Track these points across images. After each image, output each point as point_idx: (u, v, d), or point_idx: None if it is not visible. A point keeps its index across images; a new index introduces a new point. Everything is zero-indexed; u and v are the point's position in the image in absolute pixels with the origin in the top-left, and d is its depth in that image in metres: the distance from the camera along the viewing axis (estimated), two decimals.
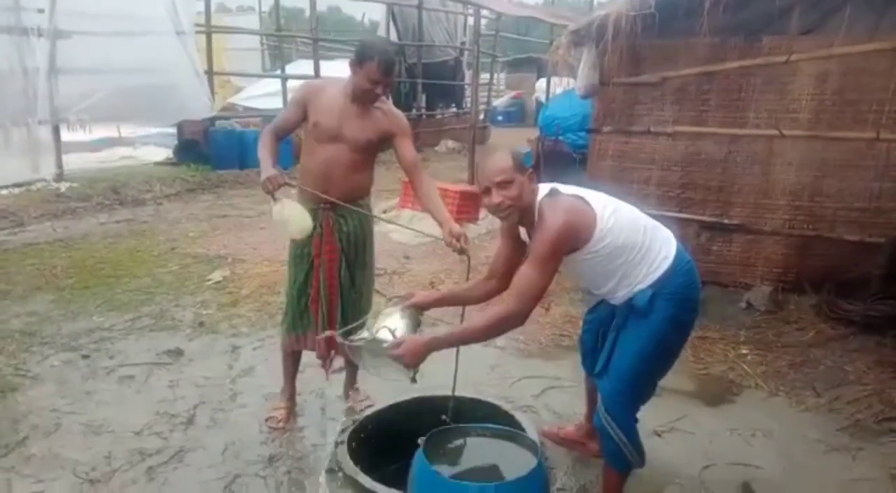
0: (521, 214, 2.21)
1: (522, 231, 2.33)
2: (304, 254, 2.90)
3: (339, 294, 2.91)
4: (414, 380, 2.21)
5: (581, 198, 2.21)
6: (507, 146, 2.33)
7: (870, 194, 4.45)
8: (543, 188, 2.23)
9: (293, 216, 2.71)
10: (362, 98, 2.72)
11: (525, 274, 2.13)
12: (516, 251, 2.40)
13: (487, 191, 2.17)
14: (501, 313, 2.11)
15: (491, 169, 2.16)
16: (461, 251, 2.66)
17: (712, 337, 4.11)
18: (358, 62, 2.66)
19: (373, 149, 2.87)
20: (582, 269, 2.29)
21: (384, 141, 2.86)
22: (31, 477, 2.64)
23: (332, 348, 2.95)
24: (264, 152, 2.75)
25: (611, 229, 2.17)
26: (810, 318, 4.36)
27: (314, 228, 2.81)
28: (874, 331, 4.07)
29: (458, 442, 2.21)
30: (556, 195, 2.20)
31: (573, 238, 2.13)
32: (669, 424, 3.07)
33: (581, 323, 2.73)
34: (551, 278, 2.14)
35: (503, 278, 2.42)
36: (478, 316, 2.15)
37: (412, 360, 2.13)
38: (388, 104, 2.87)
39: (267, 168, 2.67)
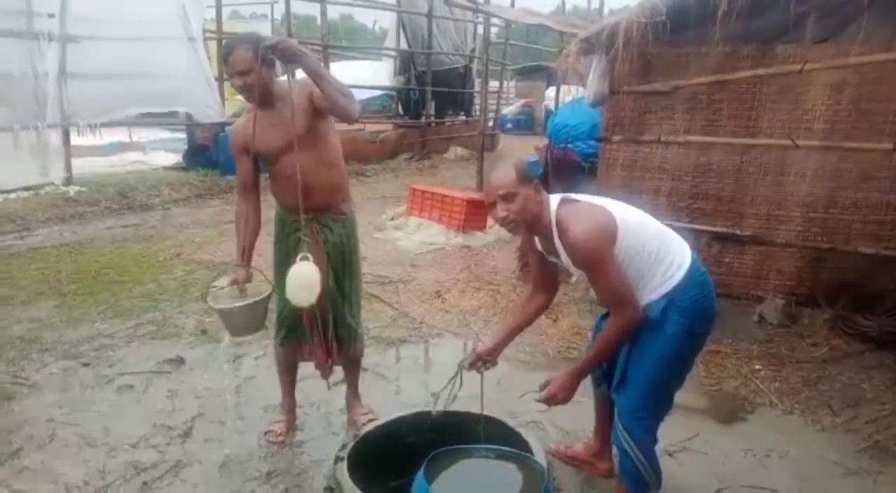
0: (530, 224, 2.20)
1: (537, 240, 2.33)
2: (289, 265, 2.76)
3: (329, 303, 2.81)
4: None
5: (595, 203, 2.21)
6: (511, 156, 2.29)
7: (886, 207, 4.35)
8: (555, 198, 2.22)
9: (308, 283, 2.57)
10: (245, 98, 2.59)
11: (599, 288, 2.20)
12: (545, 259, 2.40)
13: (492, 205, 2.17)
14: (618, 327, 2.16)
15: (494, 183, 2.17)
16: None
17: (724, 351, 4.01)
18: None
19: (317, 127, 2.64)
20: None
21: (317, 109, 2.58)
22: (21, 492, 2.58)
23: (329, 357, 2.89)
24: (239, 233, 2.76)
25: (627, 232, 2.15)
26: (824, 333, 4.26)
27: (298, 239, 2.69)
28: (891, 347, 3.96)
29: (462, 464, 2.13)
30: (572, 202, 2.19)
31: (606, 236, 2.11)
32: (681, 443, 2.97)
33: (589, 335, 2.67)
34: (620, 272, 2.13)
35: (545, 286, 2.48)
36: (601, 339, 2.24)
37: (567, 395, 2.25)
38: (296, 81, 2.68)
39: (235, 263, 2.73)
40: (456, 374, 2.39)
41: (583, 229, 2.08)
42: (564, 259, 2.22)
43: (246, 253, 2.75)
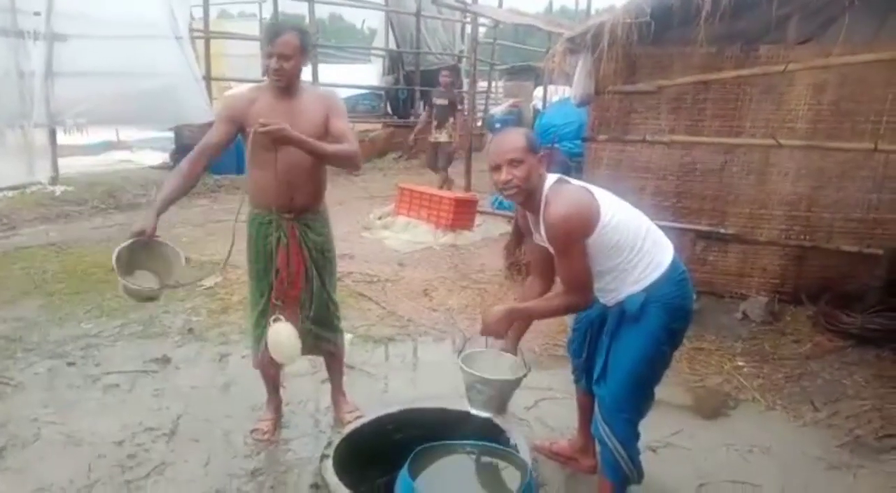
0: (527, 196, 2.23)
1: (529, 217, 2.35)
2: (266, 269, 2.75)
3: (311, 300, 2.81)
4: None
5: (587, 190, 2.23)
6: (521, 128, 2.33)
7: (867, 205, 4.42)
8: (551, 177, 2.25)
9: (287, 341, 2.65)
10: (273, 81, 2.57)
11: (561, 269, 2.22)
12: (542, 246, 2.39)
13: (497, 168, 2.20)
14: (564, 303, 2.26)
15: (504, 146, 2.21)
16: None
17: (708, 348, 4.05)
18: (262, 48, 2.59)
19: (320, 135, 2.62)
20: None
21: (328, 129, 2.64)
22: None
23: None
24: (163, 190, 2.57)
25: (613, 227, 2.18)
26: (807, 330, 4.32)
27: (278, 239, 2.70)
28: (872, 344, 4.02)
29: (446, 460, 2.15)
30: (563, 184, 2.22)
31: (582, 225, 2.14)
32: (664, 439, 3.00)
33: (570, 325, 2.70)
34: (584, 261, 2.18)
35: (544, 274, 2.48)
36: (548, 300, 2.33)
37: (498, 326, 2.27)
38: (317, 89, 2.79)
39: (146, 214, 2.50)
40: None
41: (563, 211, 2.12)
42: (543, 235, 2.25)
43: (162, 205, 2.55)
